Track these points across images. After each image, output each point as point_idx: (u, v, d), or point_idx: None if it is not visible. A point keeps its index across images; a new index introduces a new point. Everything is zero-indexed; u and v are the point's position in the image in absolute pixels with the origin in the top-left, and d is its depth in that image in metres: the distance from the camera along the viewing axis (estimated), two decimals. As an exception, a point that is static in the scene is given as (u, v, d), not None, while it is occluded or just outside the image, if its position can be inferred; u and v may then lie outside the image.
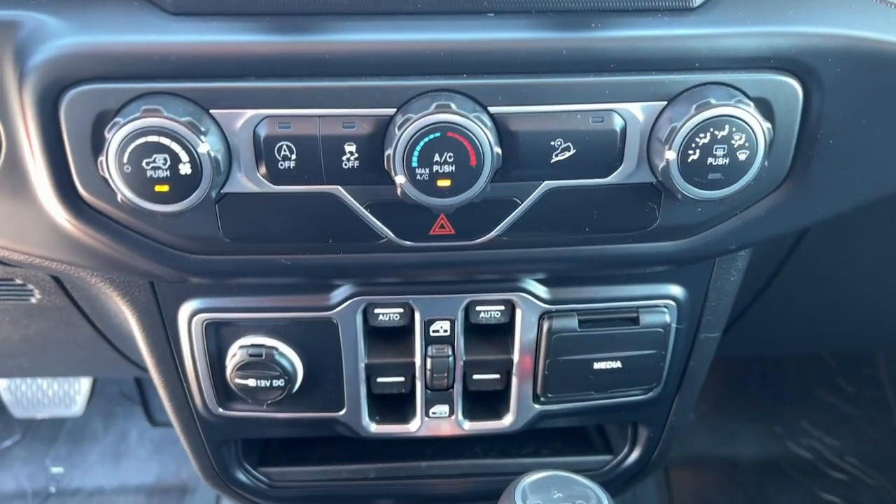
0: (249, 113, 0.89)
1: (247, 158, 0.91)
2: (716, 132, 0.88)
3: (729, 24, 0.91)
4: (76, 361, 1.69)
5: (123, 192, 0.86)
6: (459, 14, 0.90)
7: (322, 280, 1.13)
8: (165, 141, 0.84)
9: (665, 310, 1.19)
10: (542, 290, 1.17)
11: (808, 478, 2.37)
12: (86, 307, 1.33)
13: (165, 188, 0.86)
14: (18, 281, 1.27)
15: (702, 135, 0.88)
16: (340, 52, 0.87)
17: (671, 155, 0.89)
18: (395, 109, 0.89)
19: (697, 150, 0.89)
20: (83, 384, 2.52)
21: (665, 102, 0.91)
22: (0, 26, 0.87)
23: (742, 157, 0.89)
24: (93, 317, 1.36)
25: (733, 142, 0.89)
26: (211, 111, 0.88)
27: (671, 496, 2.37)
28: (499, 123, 0.90)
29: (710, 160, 0.89)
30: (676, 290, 1.20)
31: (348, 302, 1.14)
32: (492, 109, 0.90)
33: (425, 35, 0.88)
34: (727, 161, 0.89)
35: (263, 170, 0.91)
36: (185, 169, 0.85)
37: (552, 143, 0.92)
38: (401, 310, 1.17)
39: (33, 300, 1.31)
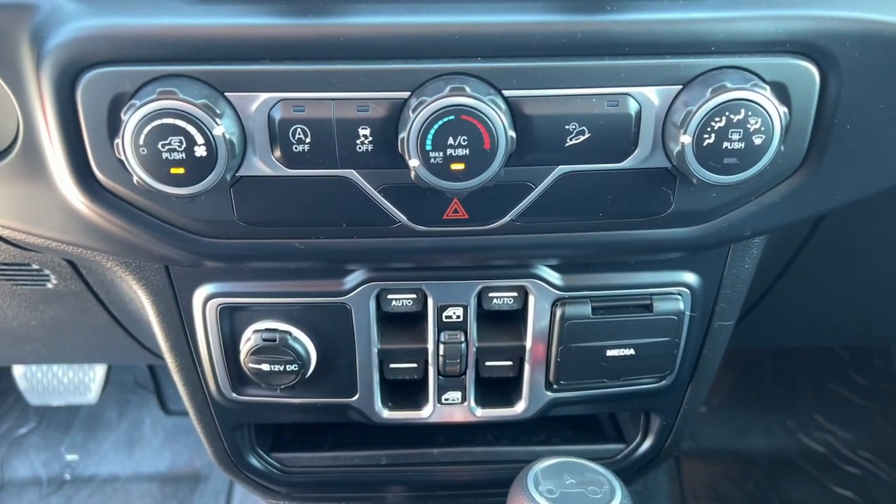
0: (264, 96, 0.89)
1: (261, 141, 0.91)
2: (731, 116, 0.87)
3: (745, 8, 0.90)
4: (92, 348, 1.70)
5: (139, 173, 0.87)
6: None
7: (335, 265, 1.14)
8: (181, 123, 0.85)
9: (679, 297, 1.19)
10: (555, 277, 1.17)
11: (821, 471, 2.36)
12: (101, 293, 1.34)
13: (181, 170, 0.86)
14: (35, 266, 1.28)
15: (717, 119, 0.88)
16: (355, 35, 0.87)
17: (686, 139, 0.89)
18: (409, 92, 0.89)
19: (713, 134, 0.88)
20: (98, 372, 2.54)
21: (680, 86, 0.91)
22: (17, 9, 0.87)
23: (758, 141, 0.89)
24: (108, 302, 1.37)
25: (749, 126, 0.88)
26: (226, 94, 0.89)
27: (682, 488, 2.37)
28: (513, 107, 0.90)
29: (725, 144, 0.89)
30: (690, 277, 1.19)
31: (361, 287, 1.15)
32: (506, 93, 0.90)
33: (440, 18, 0.88)
34: (743, 145, 0.89)
35: (278, 153, 0.92)
36: (200, 151, 0.86)
37: (567, 126, 0.91)
38: (414, 296, 1.17)
39: (49, 285, 1.32)
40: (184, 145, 0.85)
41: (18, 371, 2.52)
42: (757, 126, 0.88)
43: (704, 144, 0.89)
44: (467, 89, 0.86)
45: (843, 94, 0.93)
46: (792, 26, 0.90)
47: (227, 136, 0.86)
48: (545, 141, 0.92)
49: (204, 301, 1.16)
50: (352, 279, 1.15)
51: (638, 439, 1.46)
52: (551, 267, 1.16)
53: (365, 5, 0.89)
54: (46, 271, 1.29)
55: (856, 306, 1.61)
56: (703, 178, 0.91)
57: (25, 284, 1.34)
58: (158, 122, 0.84)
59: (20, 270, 1.30)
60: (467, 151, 0.87)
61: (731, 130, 0.88)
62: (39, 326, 1.47)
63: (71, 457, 2.55)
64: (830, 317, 1.67)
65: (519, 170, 0.94)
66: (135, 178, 0.88)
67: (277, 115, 0.89)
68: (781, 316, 1.59)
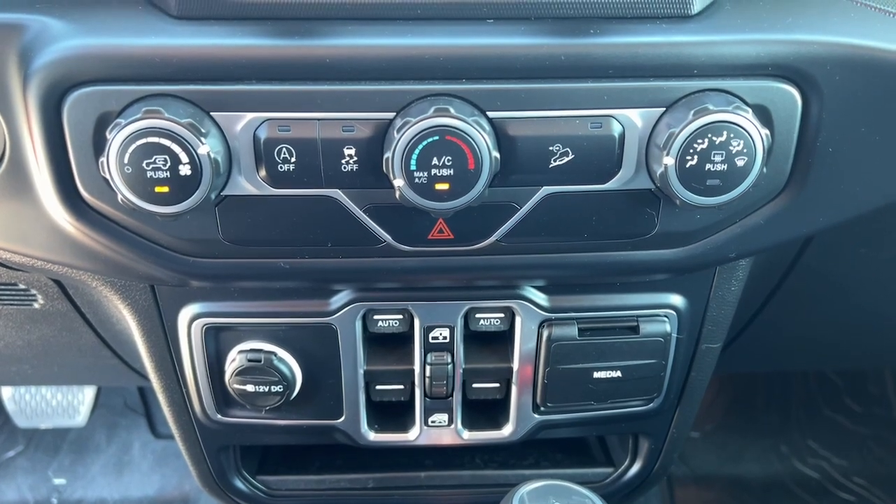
0: (250, 116, 0.89)
1: (247, 161, 0.91)
2: (714, 138, 0.88)
3: (727, 32, 0.91)
4: (79, 369, 1.70)
5: (124, 192, 0.87)
6: (459, 20, 0.91)
7: (321, 284, 1.14)
8: (166, 142, 0.85)
9: (665, 319, 1.19)
10: (541, 298, 1.16)
11: (815, 498, 2.34)
12: (88, 313, 1.33)
13: (165, 189, 0.87)
14: (22, 286, 1.28)
15: (700, 140, 0.88)
16: (340, 56, 0.88)
17: (669, 161, 0.89)
18: (394, 113, 0.89)
19: (695, 156, 0.89)
20: (87, 395, 2.52)
21: (663, 109, 0.92)
22: (5, 29, 0.88)
23: (740, 163, 0.89)
24: (95, 323, 1.36)
25: (731, 148, 0.89)
26: (211, 113, 0.89)
27: (676, 514, 2.35)
28: (497, 128, 0.91)
29: (708, 166, 0.89)
30: (677, 299, 1.19)
31: (348, 307, 1.15)
32: (491, 114, 0.90)
33: (425, 40, 0.89)
34: (725, 167, 0.89)
35: (263, 172, 0.92)
36: (185, 170, 0.86)
37: (551, 148, 0.92)
38: (400, 316, 1.17)
39: (36, 305, 1.32)
40: (168, 164, 0.86)
41: (6, 393, 2.50)
42: (739, 148, 0.89)
43: (687, 166, 0.89)
44: (451, 110, 0.87)
45: (824, 116, 0.94)
46: (773, 50, 0.91)
47: (212, 156, 0.87)
48: (529, 162, 0.93)
49: (189, 321, 1.16)
50: (338, 299, 1.15)
51: (626, 463, 1.45)
52: (538, 288, 1.16)
53: (351, 27, 0.90)
54: (33, 291, 1.29)
55: (846, 329, 1.61)
56: (686, 199, 0.91)
57: (12, 304, 1.33)
58: (143, 140, 0.85)
59: (6, 290, 1.29)
60: (452, 172, 0.88)
61: (713, 152, 0.89)
62: (26, 347, 1.47)
63: (59, 480, 2.52)
64: (821, 340, 1.67)
65: (503, 190, 0.95)
66: (119, 197, 0.88)
67: (263, 134, 0.90)
68: (772, 339, 1.59)
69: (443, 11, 0.91)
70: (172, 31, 0.89)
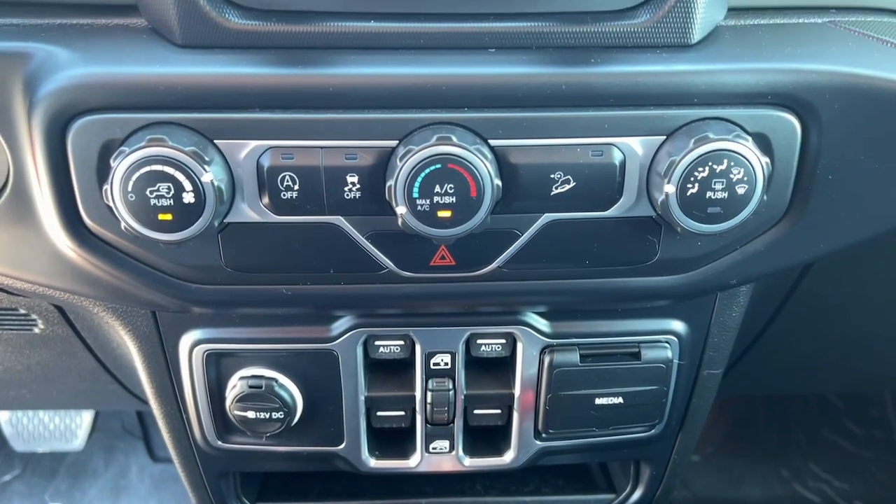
0: (253, 143, 0.90)
1: (250, 188, 0.92)
2: (714, 166, 0.89)
3: (727, 61, 0.92)
4: (78, 393, 1.69)
5: (127, 220, 0.87)
6: (461, 49, 0.92)
7: (323, 310, 1.14)
8: (169, 170, 0.85)
9: (667, 345, 1.19)
10: (543, 324, 1.17)
11: (817, 521, 2.33)
12: (88, 338, 1.33)
13: (168, 217, 0.87)
14: (22, 311, 1.28)
15: (700, 169, 0.89)
16: (343, 85, 0.89)
17: (670, 189, 0.90)
18: (396, 141, 0.90)
19: (696, 184, 0.89)
20: (84, 418, 2.51)
21: (664, 137, 0.92)
22: (11, 57, 0.89)
23: (741, 191, 0.90)
24: (95, 347, 1.36)
25: (732, 176, 0.89)
26: (215, 141, 0.90)
27: (677, 538, 2.33)
28: (499, 156, 0.91)
29: (708, 194, 0.90)
30: (678, 325, 1.19)
31: (349, 333, 1.14)
32: (492, 142, 0.91)
33: (427, 69, 0.90)
34: (726, 195, 0.90)
35: (266, 200, 0.92)
36: (188, 198, 0.86)
37: (552, 175, 0.93)
38: (401, 342, 1.17)
39: (36, 330, 1.32)
40: (172, 192, 0.86)
41: (4, 417, 2.49)
42: (740, 176, 0.89)
43: (688, 194, 0.90)
44: (454, 138, 0.87)
45: (823, 144, 0.95)
46: (773, 79, 0.91)
47: (216, 184, 0.87)
48: (531, 189, 0.93)
49: (190, 347, 1.16)
50: (339, 325, 1.15)
51: (628, 489, 1.44)
52: (539, 313, 1.17)
53: (354, 56, 0.91)
54: (34, 316, 1.29)
55: (846, 353, 1.61)
56: (687, 227, 0.91)
57: (12, 329, 1.33)
58: (147, 168, 0.85)
59: (6, 315, 1.29)
60: (454, 199, 0.88)
61: (714, 180, 0.89)
62: (25, 371, 1.46)
63: (55, 504, 2.51)
64: (821, 364, 1.67)
65: (505, 217, 0.95)
66: (122, 224, 0.88)
67: (266, 162, 0.90)
68: (773, 363, 1.59)
69: (445, 41, 0.92)
70: (177, 59, 0.89)
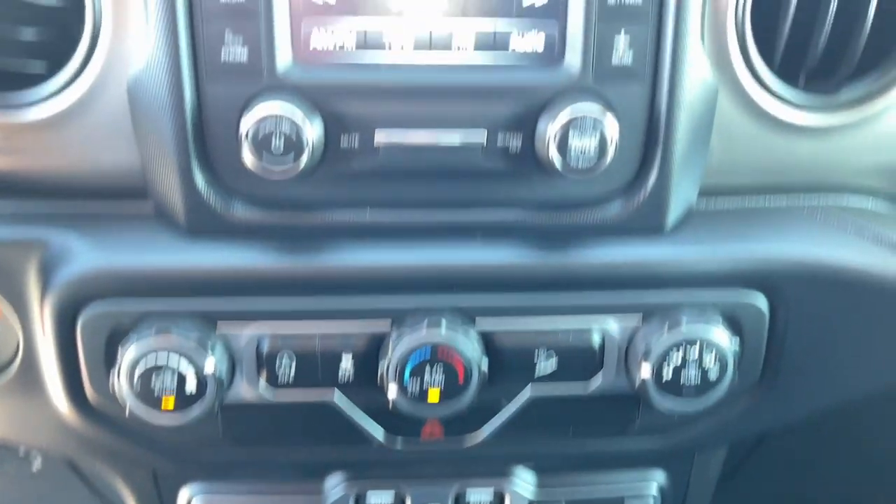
0: (253, 328, 0.95)
1: (249, 370, 0.97)
2: (688, 349, 0.94)
3: (698, 247, 0.98)
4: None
5: (131, 406, 0.92)
6: (451, 235, 0.98)
7: (315, 474, 1.17)
8: (174, 361, 0.90)
9: (650, 497, 1.23)
10: (529, 480, 1.20)
11: None
12: (86, 473, 1.35)
13: (171, 404, 0.91)
14: (22, 451, 1.31)
15: (675, 352, 0.94)
16: (339, 272, 0.95)
17: (646, 371, 0.95)
18: (389, 326, 0.96)
19: (671, 368, 0.95)
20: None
21: (640, 317, 0.98)
22: (29, 245, 0.94)
23: (713, 374, 0.95)
24: (92, 478, 1.38)
25: (705, 359, 0.95)
26: (218, 322, 0.95)
27: None
28: (486, 336, 0.97)
29: (683, 379, 0.95)
30: (660, 475, 1.23)
31: (340, 489, 1.18)
32: (479, 324, 0.96)
33: (419, 256, 0.96)
34: (699, 377, 0.95)
35: (264, 381, 0.97)
36: (190, 387, 0.91)
37: (535, 354, 0.98)
38: (391, 501, 1.20)
39: (34, 469, 1.34)
40: (175, 381, 0.91)
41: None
42: (712, 359, 0.95)
43: (663, 378, 0.95)
44: (443, 325, 0.93)
45: (791, 323, 1.01)
46: (742, 265, 0.98)
47: (217, 374, 0.92)
48: (515, 367, 0.99)
49: (188, 500, 1.18)
50: (331, 481, 1.18)
51: None
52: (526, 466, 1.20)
53: (349, 242, 0.96)
54: (33, 454, 1.32)
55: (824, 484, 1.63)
56: (663, 408, 0.97)
57: (10, 466, 1.35)
58: (153, 359, 0.90)
59: (6, 454, 1.32)
60: (443, 385, 0.93)
61: (687, 364, 0.95)
62: (20, 505, 1.48)
63: None
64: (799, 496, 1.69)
65: (491, 391, 1.00)
66: (126, 409, 0.93)
67: (265, 347, 0.95)
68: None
69: (435, 229, 0.98)
70: (183, 247, 0.95)
